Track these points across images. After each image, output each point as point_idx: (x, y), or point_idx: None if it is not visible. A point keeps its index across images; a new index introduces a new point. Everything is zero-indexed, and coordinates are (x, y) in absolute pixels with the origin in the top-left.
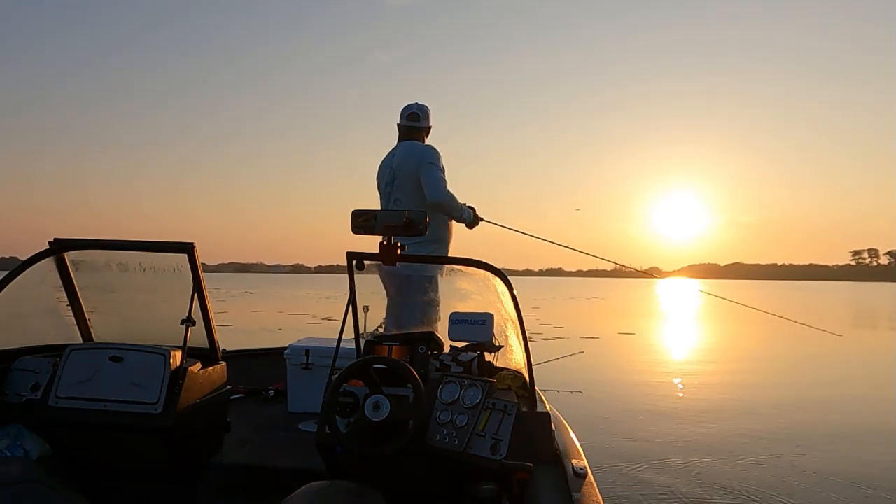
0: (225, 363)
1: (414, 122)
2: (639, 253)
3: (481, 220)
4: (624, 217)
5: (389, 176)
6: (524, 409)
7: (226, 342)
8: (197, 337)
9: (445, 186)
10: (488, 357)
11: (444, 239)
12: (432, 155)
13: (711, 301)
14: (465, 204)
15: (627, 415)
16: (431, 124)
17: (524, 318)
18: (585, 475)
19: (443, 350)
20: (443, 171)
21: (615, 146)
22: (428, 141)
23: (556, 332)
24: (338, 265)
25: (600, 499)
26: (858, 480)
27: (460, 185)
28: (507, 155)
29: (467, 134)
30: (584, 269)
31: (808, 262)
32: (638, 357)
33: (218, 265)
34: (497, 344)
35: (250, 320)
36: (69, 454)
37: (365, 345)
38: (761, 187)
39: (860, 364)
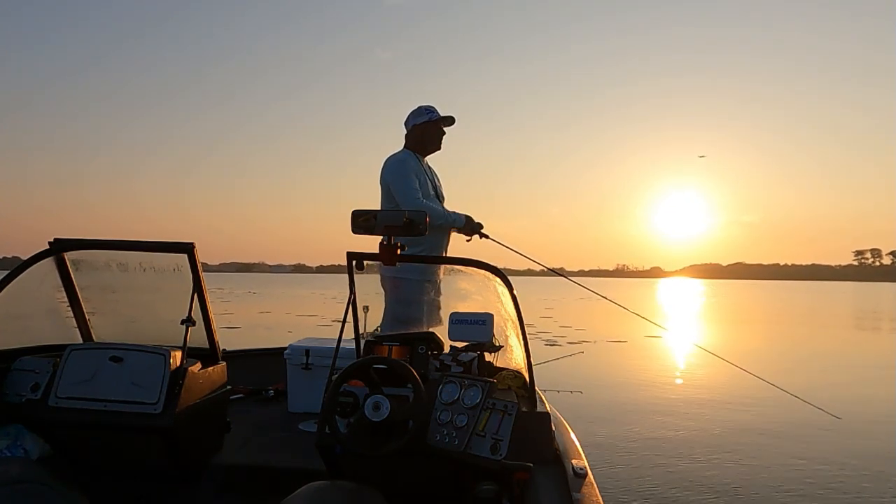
0: (225, 363)
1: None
2: (640, 252)
3: (483, 234)
4: (625, 216)
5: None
6: (524, 409)
7: (234, 343)
8: (197, 337)
9: (418, 196)
10: (488, 357)
11: (429, 243)
12: (392, 169)
13: (716, 300)
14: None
15: (627, 415)
16: (416, 122)
17: (531, 319)
18: (585, 475)
19: (443, 350)
20: (412, 180)
21: (616, 144)
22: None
23: (578, 335)
24: (339, 265)
25: (600, 499)
26: (864, 483)
27: (460, 182)
28: (508, 152)
29: (467, 131)
30: (586, 269)
31: (810, 262)
32: (639, 357)
33: (219, 265)
34: (497, 344)
35: (258, 321)
36: (69, 454)
37: (365, 345)
38: (764, 186)
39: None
